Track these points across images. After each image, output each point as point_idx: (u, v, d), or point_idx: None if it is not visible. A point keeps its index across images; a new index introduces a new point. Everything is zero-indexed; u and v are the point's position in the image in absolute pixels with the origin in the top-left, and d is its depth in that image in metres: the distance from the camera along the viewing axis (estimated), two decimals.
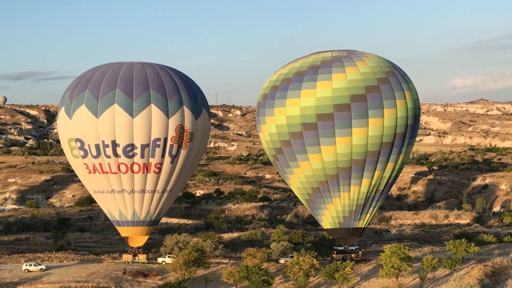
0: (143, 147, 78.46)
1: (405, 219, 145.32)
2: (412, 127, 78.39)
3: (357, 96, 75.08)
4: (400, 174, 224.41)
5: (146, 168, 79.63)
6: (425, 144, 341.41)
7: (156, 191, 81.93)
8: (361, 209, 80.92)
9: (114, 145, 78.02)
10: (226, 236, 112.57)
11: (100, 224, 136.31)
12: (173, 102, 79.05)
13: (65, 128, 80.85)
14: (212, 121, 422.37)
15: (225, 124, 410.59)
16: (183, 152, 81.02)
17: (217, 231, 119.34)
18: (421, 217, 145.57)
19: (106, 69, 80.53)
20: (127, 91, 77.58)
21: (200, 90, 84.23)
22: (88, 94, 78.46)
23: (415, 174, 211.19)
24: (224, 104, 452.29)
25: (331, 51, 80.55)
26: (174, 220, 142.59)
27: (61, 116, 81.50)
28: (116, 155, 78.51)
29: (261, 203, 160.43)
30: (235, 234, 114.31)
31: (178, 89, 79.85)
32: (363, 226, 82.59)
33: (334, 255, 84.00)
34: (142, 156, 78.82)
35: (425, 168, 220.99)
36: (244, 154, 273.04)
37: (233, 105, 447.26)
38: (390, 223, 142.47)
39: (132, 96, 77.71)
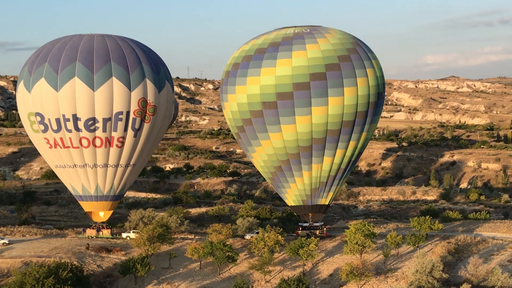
0: (105, 121, 76.92)
1: (373, 195, 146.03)
2: (375, 104, 77.49)
3: (316, 74, 73.94)
4: (370, 150, 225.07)
5: (108, 142, 78.22)
6: (395, 120, 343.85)
7: (119, 166, 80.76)
8: (324, 187, 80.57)
9: (75, 119, 76.34)
10: (194, 211, 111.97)
11: (66, 198, 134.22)
12: (135, 75, 77.46)
13: (24, 102, 78.83)
14: (183, 94, 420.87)
15: (197, 97, 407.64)
16: (146, 126, 79.69)
17: (185, 205, 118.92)
18: (389, 193, 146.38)
19: (66, 41, 78.39)
20: (87, 64, 75.70)
21: (163, 62, 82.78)
22: (47, 67, 76.31)
23: (384, 150, 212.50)
24: (196, 78, 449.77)
25: (294, 27, 79.17)
26: (142, 195, 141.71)
27: (20, 90, 79.40)
28: (77, 129, 76.86)
29: (230, 178, 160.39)
30: (203, 209, 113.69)
31: (140, 62, 78.17)
32: (327, 203, 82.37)
33: (299, 231, 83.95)
34: (104, 130, 77.33)
35: (394, 145, 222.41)
36: (215, 129, 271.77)
37: (205, 79, 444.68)
38: (358, 198, 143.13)
39: (93, 69, 75.86)
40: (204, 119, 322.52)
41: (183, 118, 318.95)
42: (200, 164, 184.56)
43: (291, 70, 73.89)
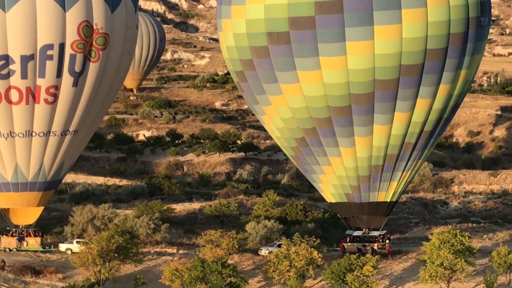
0: (25, 60, 77.34)
1: (476, 184, 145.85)
2: (476, 22, 76.60)
3: None
4: (473, 110, 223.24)
5: (31, 95, 78.63)
6: None
7: (51, 134, 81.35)
8: (380, 173, 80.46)
9: None
10: (181, 207, 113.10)
11: None
12: None
13: None
14: (170, 16, 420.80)
15: (191, 21, 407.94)
16: (93, 67, 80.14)
17: (167, 199, 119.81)
18: (501, 181, 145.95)
19: None
20: None
21: None
22: None
23: (497, 110, 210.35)
24: None
25: None
26: (98, 180, 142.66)
27: None
28: None
29: (242, 154, 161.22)
30: (196, 205, 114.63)
31: None
32: (389, 200, 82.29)
33: (346, 244, 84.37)
34: (24, 76, 77.75)
35: None
36: (220, 73, 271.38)
37: None
38: (451, 189, 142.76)
39: None
40: (203, 57, 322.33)
41: (168, 56, 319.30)
42: (193, 131, 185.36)
43: None
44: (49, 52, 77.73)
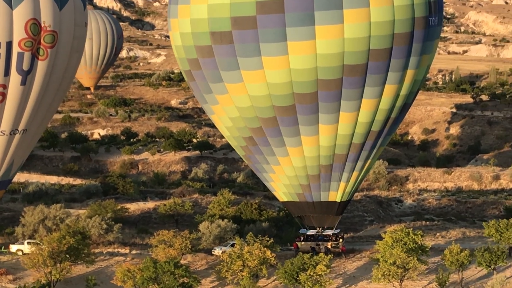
0: None
1: (430, 181, 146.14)
2: (424, 22, 76.25)
3: None
4: (428, 107, 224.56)
5: None
6: (472, 58, 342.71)
7: (0, 133, 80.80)
8: (329, 173, 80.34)
9: None
10: (135, 207, 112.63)
11: None
12: None
13: None
14: (126, 14, 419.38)
15: (147, 19, 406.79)
16: (42, 66, 79.31)
17: (122, 198, 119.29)
18: (455, 179, 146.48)
19: None
20: None
21: None
22: None
23: (452, 108, 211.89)
24: None
25: None
26: (52, 179, 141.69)
27: None
28: None
29: (197, 153, 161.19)
30: (151, 205, 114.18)
31: None
32: (340, 200, 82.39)
33: (300, 243, 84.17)
34: None
35: (468, 98, 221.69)
36: (176, 71, 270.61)
37: None
38: (406, 187, 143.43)
39: None
40: (159, 55, 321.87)
41: (124, 53, 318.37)
42: (148, 129, 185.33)
43: None
44: None
